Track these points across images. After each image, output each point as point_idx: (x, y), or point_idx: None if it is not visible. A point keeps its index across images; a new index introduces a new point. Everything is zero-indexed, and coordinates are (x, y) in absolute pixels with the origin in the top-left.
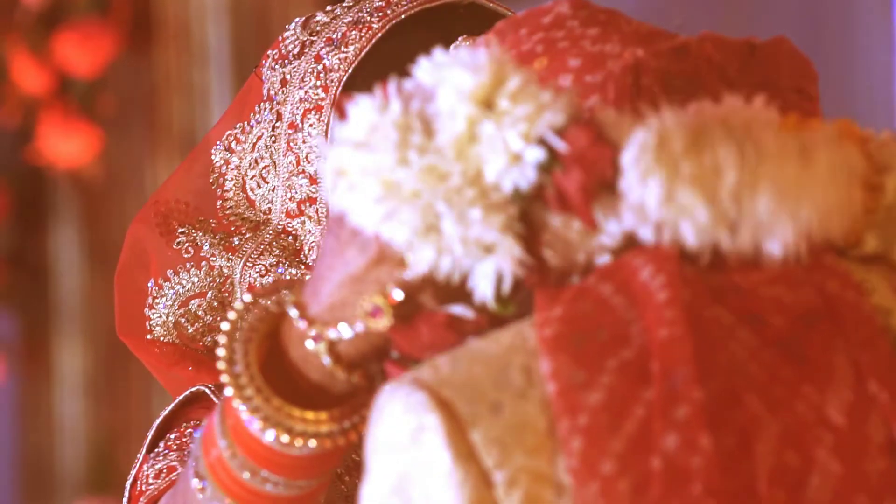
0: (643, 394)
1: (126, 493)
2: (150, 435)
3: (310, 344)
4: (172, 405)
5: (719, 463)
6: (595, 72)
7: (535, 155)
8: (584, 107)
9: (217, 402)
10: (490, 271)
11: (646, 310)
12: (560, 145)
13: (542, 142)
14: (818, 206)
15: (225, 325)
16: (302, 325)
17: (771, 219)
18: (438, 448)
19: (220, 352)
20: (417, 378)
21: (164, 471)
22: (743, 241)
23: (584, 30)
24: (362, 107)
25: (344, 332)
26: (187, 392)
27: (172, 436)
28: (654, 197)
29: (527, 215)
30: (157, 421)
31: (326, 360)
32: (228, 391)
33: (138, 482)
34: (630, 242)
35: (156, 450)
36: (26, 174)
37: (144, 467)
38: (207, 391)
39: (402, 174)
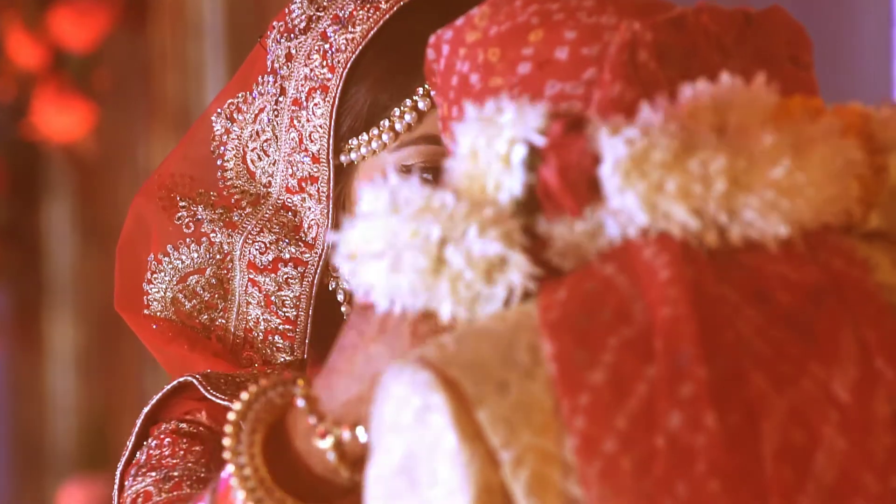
0: (646, 371)
1: (115, 482)
2: (138, 423)
3: (316, 440)
4: (159, 395)
5: (724, 441)
6: (591, 44)
7: (519, 153)
8: (570, 109)
9: (205, 393)
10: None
11: (649, 288)
12: (538, 140)
13: (527, 143)
14: (811, 203)
15: (231, 416)
16: (311, 419)
17: (761, 220)
18: (444, 428)
19: (226, 441)
20: (423, 357)
21: (141, 496)
22: (734, 236)
23: (579, 1)
24: (368, 189)
25: (357, 435)
26: (174, 382)
27: (154, 443)
28: (634, 206)
29: (531, 230)
30: (145, 410)
31: (331, 456)
32: (233, 482)
33: (125, 490)
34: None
35: (136, 457)
36: (20, 149)
37: (126, 482)
38: (195, 381)
39: (395, 221)
